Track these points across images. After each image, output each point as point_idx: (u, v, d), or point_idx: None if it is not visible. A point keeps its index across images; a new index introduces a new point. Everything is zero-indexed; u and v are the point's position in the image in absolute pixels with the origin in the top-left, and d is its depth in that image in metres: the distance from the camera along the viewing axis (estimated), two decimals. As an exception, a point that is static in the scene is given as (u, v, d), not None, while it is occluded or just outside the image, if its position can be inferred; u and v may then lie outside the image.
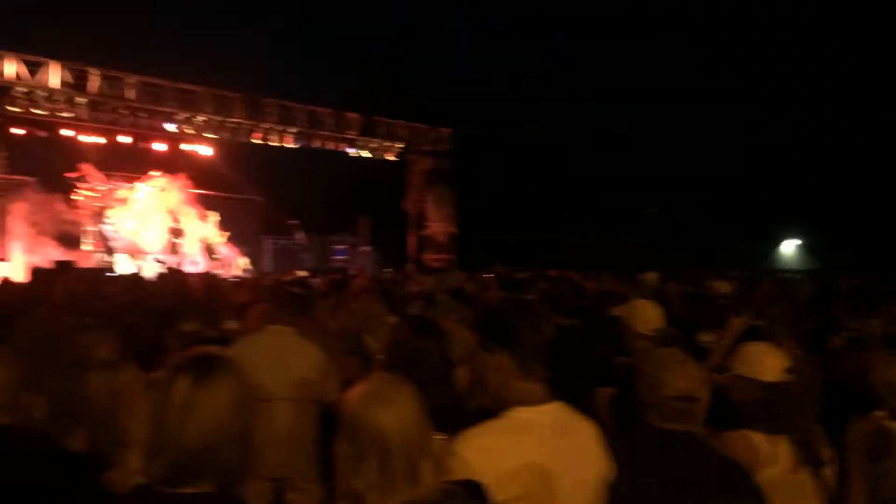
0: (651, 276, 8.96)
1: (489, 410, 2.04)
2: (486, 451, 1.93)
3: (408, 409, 1.78)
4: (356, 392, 1.84)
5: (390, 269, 19.10)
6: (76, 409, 2.85)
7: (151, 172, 20.00)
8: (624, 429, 2.27)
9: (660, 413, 2.22)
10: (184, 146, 20.20)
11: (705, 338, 4.68)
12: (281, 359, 3.84)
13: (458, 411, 2.36)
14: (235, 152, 20.86)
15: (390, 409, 1.76)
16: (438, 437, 1.88)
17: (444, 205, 22.34)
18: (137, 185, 19.93)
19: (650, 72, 32.30)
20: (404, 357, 2.82)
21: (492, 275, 12.30)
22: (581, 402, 2.13)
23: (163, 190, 20.12)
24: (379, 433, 1.72)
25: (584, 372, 3.23)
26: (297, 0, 35.41)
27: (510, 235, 25.51)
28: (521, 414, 2.01)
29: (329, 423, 3.81)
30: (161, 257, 17.97)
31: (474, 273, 12.73)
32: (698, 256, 21.23)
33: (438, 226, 22.31)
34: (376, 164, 21.74)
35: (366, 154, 21.08)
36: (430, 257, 21.85)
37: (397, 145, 21.56)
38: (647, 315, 3.76)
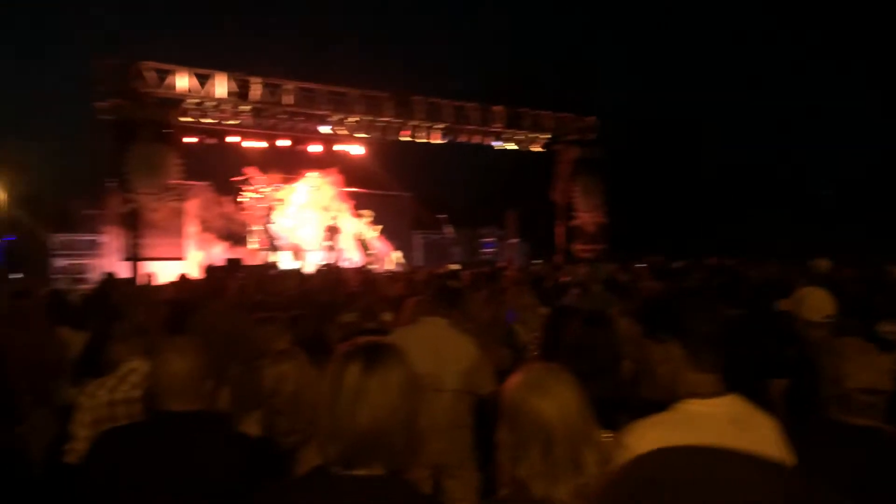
0: (822, 262, 8.34)
1: (657, 403, 1.97)
2: (657, 445, 1.86)
3: (568, 397, 1.76)
4: (515, 381, 1.85)
5: (539, 261, 19.02)
6: (256, 398, 3.05)
7: (308, 173, 21.08)
8: (801, 423, 2.11)
9: (842, 407, 2.06)
10: (337, 147, 21.14)
11: (886, 328, 4.31)
12: (436, 350, 3.90)
13: (624, 403, 2.30)
14: (385, 150, 21.54)
15: (550, 397, 1.75)
16: (605, 434, 1.84)
17: (593, 194, 21.92)
18: (296, 185, 21.06)
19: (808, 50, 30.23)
20: (574, 348, 2.79)
21: (644, 264, 11.98)
22: (753, 395, 2.00)
23: (318, 189, 21.13)
24: (540, 421, 1.72)
25: (753, 363, 3.06)
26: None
27: (661, 224, 24.67)
28: (694, 407, 1.90)
29: (483, 413, 3.87)
30: (322, 258, 18.81)
31: (626, 263, 12.44)
32: (881, 240, 19.51)
33: (587, 216, 21.93)
34: (523, 155, 21.66)
35: (512, 146, 21.07)
36: (579, 248, 21.53)
37: (543, 136, 21.38)
38: (817, 302, 3.52)
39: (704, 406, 1.90)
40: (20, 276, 15.66)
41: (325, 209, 20.67)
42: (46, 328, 5.66)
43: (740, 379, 1.99)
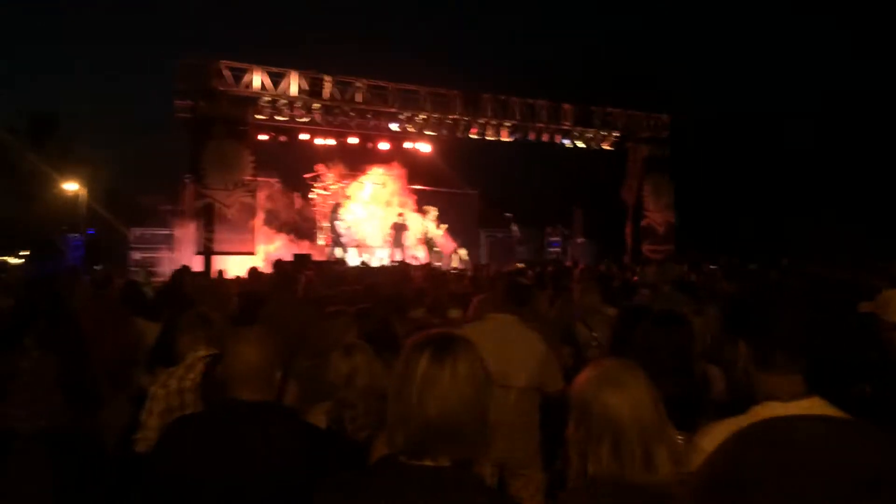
0: (909, 265, 7.96)
1: (734, 404, 1.90)
2: None
3: (640, 393, 1.73)
4: (586, 375, 1.82)
5: (606, 261, 18.77)
6: (324, 390, 3.08)
7: (374, 168, 21.33)
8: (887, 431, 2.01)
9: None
10: (406, 144, 21.32)
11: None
12: (503, 346, 3.87)
13: (698, 404, 2.24)
14: (453, 147, 21.56)
15: (622, 392, 1.72)
16: (679, 435, 1.80)
17: (663, 194, 21.49)
18: (362, 181, 21.33)
19: None
20: (645, 347, 2.73)
21: (715, 266, 11.70)
22: (839, 400, 1.91)
23: (384, 185, 21.35)
24: (610, 416, 1.69)
25: (837, 366, 2.93)
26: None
27: (735, 224, 24.00)
28: (773, 410, 1.82)
29: (550, 411, 3.83)
30: (388, 255, 18.98)
31: (697, 264, 12.18)
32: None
33: (657, 215, 21.51)
34: (592, 153, 21.36)
35: (581, 144, 20.80)
36: (648, 248, 21.14)
37: (614, 134, 21.04)
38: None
39: (784, 409, 1.81)
40: (99, 268, 16.25)
41: (391, 205, 20.86)
42: (124, 317, 5.87)
43: (823, 382, 1.91)
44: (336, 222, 20.74)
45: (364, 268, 14.90)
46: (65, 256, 22.04)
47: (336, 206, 19.44)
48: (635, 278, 9.54)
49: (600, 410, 1.71)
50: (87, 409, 4.35)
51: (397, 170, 21.44)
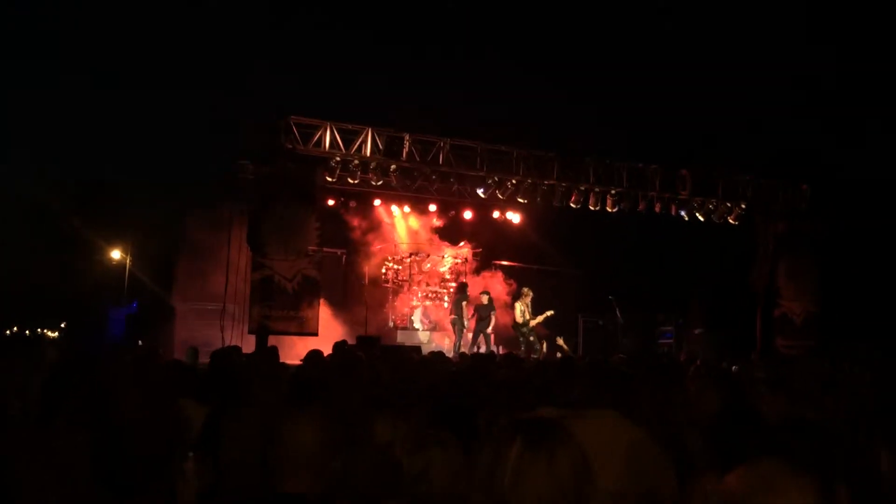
0: None
1: None
2: None
3: (804, 501, 1.71)
4: (739, 475, 1.82)
5: (730, 356, 18.21)
6: (393, 485, 3.11)
7: (459, 242, 21.55)
8: None
9: None
10: (494, 213, 21.50)
11: None
12: (605, 443, 3.84)
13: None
14: (548, 219, 21.52)
15: (781, 499, 1.71)
16: None
17: (802, 277, 20.84)
18: (445, 256, 21.51)
19: None
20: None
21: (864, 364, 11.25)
22: None
23: (465, 261, 21.46)
24: None
25: None
26: (614, 53, 36.39)
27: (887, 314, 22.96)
28: None
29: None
30: (467, 341, 18.94)
31: (841, 361, 11.73)
32: None
33: (794, 304, 20.83)
34: (714, 228, 20.97)
35: (701, 217, 20.43)
36: (783, 343, 20.42)
37: (741, 206, 20.60)
38: None
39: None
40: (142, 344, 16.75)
41: (477, 284, 20.94)
42: (168, 398, 6.08)
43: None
44: (411, 302, 20.95)
45: (441, 357, 14.91)
46: (105, 331, 22.97)
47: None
48: (762, 376, 9.25)
49: None
50: (121, 495, 4.50)
51: (486, 247, 21.61)
